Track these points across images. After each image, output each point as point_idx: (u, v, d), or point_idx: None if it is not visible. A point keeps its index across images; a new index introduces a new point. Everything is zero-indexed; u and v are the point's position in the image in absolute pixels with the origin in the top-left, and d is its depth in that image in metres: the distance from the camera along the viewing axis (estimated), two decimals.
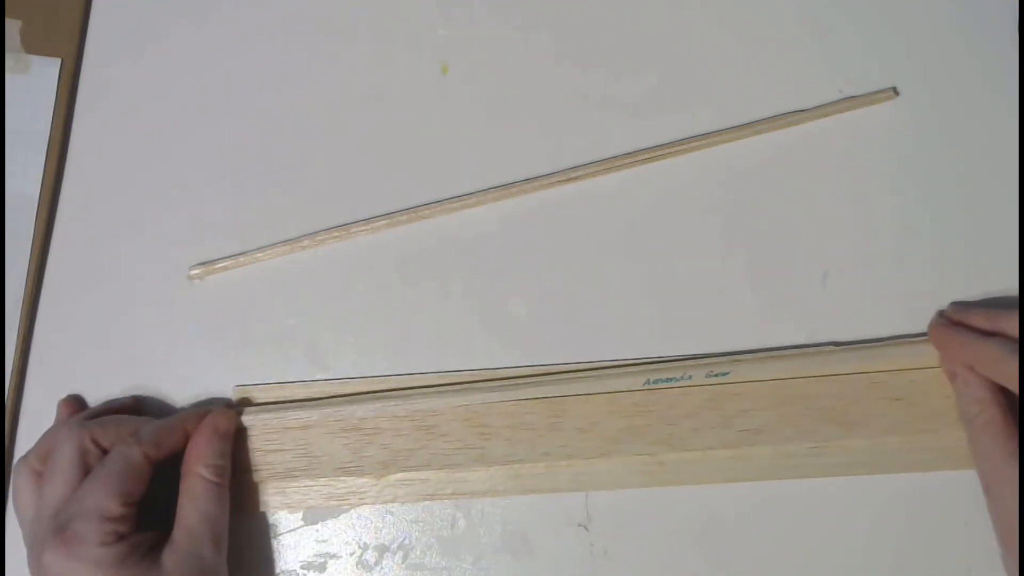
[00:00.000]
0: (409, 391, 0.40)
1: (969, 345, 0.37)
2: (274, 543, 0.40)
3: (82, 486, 0.35)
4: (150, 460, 0.36)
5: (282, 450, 0.39)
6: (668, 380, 0.39)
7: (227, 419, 0.39)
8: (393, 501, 0.39)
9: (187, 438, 0.38)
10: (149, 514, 0.35)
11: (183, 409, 0.40)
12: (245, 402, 0.40)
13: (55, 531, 0.34)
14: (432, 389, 0.40)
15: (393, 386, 0.40)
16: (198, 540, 0.35)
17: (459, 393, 0.39)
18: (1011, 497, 0.34)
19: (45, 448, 0.37)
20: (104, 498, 0.34)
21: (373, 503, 0.40)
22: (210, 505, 0.36)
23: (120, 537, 0.34)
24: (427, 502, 0.40)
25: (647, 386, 0.39)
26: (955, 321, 0.38)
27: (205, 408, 0.39)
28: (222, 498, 0.37)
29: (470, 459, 0.39)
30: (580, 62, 0.42)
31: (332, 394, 0.40)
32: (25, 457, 0.37)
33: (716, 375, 0.38)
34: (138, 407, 0.41)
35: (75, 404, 0.41)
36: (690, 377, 0.39)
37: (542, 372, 0.40)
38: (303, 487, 0.39)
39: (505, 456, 0.39)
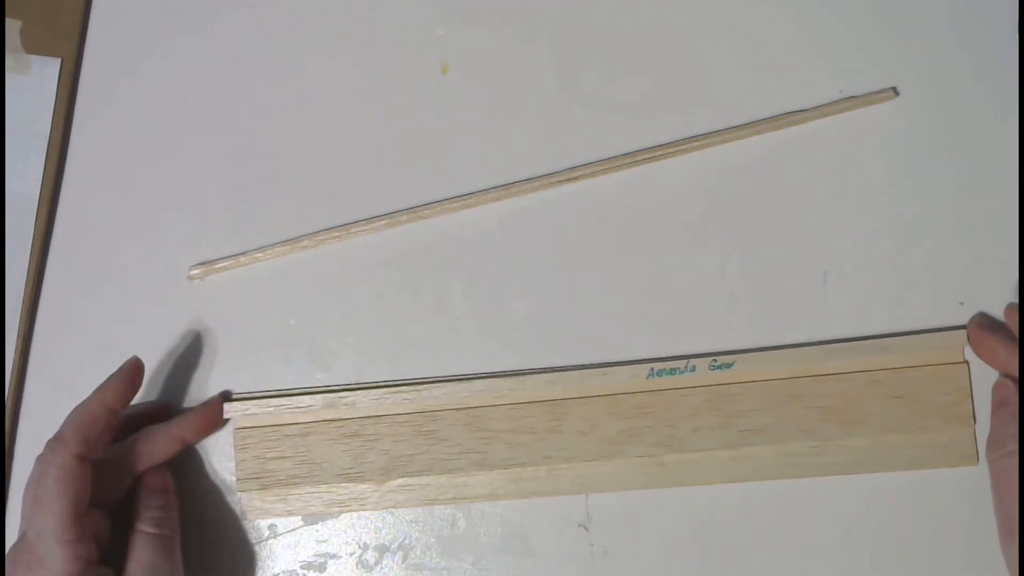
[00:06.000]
0: (408, 385, 0.40)
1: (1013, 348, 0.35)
2: (274, 543, 0.40)
3: (31, 509, 0.34)
4: (83, 458, 0.34)
5: (283, 457, 0.39)
6: (672, 372, 0.39)
7: (157, 475, 0.37)
8: (395, 507, 0.39)
9: (114, 415, 0.36)
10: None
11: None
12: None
13: (20, 551, 0.33)
14: (433, 384, 0.40)
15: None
16: None
17: (460, 383, 0.39)
18: None
19: None
20: (54, 521, 0.33)
21: (375, 509, 0.40)
22: (153, 556, 0.35)
23: (87, 564, 0.33)
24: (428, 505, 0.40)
25: (651, 378, 0.39)
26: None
27: (125, 376, 0.37)
28: (166, 548, 0.35)
29: (471, 464, 0.39)
30: (580, 62, 0.42)
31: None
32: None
33: (720, 367, 0.38)
34: (167, 411, 0.40)
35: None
36: (694, 368, 0.39)
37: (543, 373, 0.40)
38: (304, 494, 0.39)
39: (506, 460, 0.39)
